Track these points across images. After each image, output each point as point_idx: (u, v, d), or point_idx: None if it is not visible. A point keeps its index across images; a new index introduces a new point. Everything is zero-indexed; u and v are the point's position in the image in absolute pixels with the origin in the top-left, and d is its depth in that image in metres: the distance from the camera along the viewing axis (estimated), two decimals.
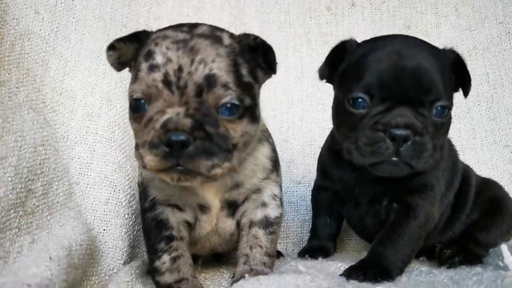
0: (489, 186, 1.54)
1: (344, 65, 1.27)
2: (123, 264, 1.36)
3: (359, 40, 1.30)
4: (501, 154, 2.05)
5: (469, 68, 1.26)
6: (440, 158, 1.22)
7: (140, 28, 1.11)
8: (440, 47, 1.26)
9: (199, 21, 1.11)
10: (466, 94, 1.28)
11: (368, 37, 1.32)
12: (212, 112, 0.95)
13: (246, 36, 1.06)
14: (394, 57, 1.15)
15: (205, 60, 0.95)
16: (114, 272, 1.32)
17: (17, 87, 1.27)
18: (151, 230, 1.14)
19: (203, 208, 1.17)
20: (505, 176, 1.99)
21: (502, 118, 2.10)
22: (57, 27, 1.61)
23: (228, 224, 1.22)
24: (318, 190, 1.56)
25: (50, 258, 0.96)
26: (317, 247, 1.54)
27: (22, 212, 1.05)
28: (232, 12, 2.26)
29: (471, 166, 1.59)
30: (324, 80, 1.33)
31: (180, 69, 0.94)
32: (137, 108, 0.99)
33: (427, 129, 1.13)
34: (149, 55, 0.97)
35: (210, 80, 0.94)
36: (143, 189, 1.17)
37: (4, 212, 0.99)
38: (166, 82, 0.94)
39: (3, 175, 1.02)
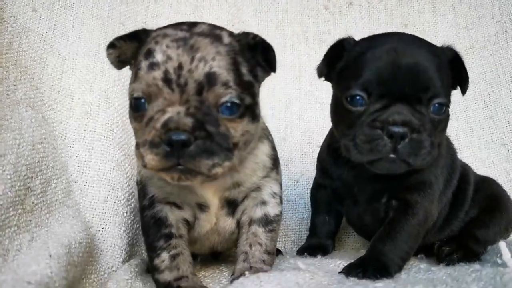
0: (487, 184, 1.55)
1: (342, 63, 1.27)
2: (122, 262, 1.36)
3: (357, 39, 1.30)
4: (498, 153, 2.06)
5: (467, 66, 1.26)
6: (438, 156, 1.23)
7: (138, 26, 1.11)
8: (438, 45, 1.27)
9: (197, 20, 1.11)
10: (464, 91, 1.29)
11: (365, 36, 1.32)
12: (213, 111, 0.95)
13: (246, 34, 1.06)
14: (392, 55, 1.16)
15: (205, 58, 0.95)
16: (113, 270, 1.32)
17: (15, 85, 1.26)
18: (150, 228, 1.14)
19: (202, 206, 1.17)
20: (502, 174, 1.99)
21: (499, 116, 2.10)
22: (54, 25, 1.60)
23: (228, 223, 1.22)
24: (317, 188, 1.57)
25: (50, 255, 0.96)
26: (316, 245, 1.54)
27: (21, 210, 1.05)
28: (230, 10, 2.26)
29: (468, 164, 1.60)
30: (323, 78, 1.33)
31: (180, 67, 0.94)
32: (137, 107, 0.99)
33: (424, 126, 1.13)
34: (149, 53, 0.97)
35: (211, 78, 0.94)
36: (142, 187, 1.17)
37: (3, 210, 0.99)
38: (166, 80, 0.94)
39: (1, 173, 1.02)
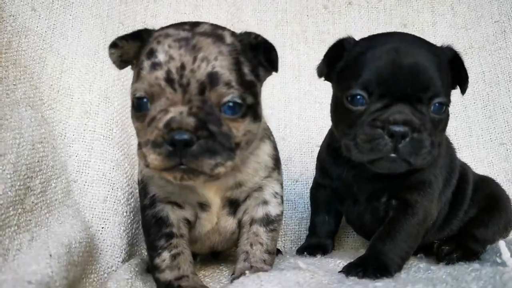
0: (486, 183, 1.55)
1: (342, 62, 1.27)
2: (121, 262, 1.36)
3: (356, 38, 1.30)
4: (497, 152, 2.06)
5: (466, 66, 1.27)
6: (438, 155, 1.23)
7: (137, 25, 1.11)
8: (438, 44, 1.27)
9: (196, 19, 1.11)
10: (463, 91, 1.29)
11: (365, 35, 1.32)
12: (215, 110, 0.95)
13: (247, 34, 1.06)
14: (392, 54, 1.16)
15: (207, 58, 0.95)
16: (113, 270, 1.32)
17: (14, 85, 1.26)
18: (151, 227, 1.14)
19: (203, 206, 1.17)
20: (501, 173, 2.00)
21: (498, 116, 2.11)
22: (54, 24, 1.60)
23: (230, 223, 1.22)
24: (317, 188, 1.57)
25: (50, 255, 0.96)
26: (315, 245, 1.54)
27: (21, 210, 1.05)
28: (230, 10, 2.26)
29: (467, 164, 1.60)
30: (323, 78, 1.33)
31: (182, 66, 0.94)
32: (139, 107, 0.99)
33: (425, 125, 1.13)
34: (151, 53, 0.97)
35: (213, 78, 0.94)
36: (143, 186, 1.17)
37: (3, 210, 0.98)
38: (169, 80, 0.94)
39: (1, 172, 1.01)
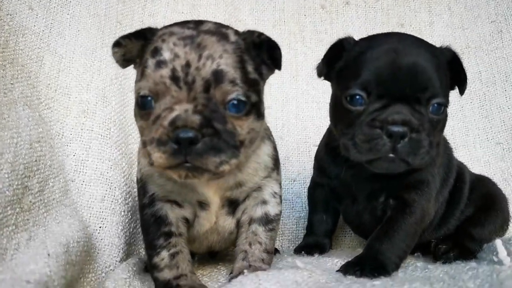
0: (483, 183, 1.56)
1: (341, 62, 1.27)
2: (119, 262, 1.36)
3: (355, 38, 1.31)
4: (494, 152, 2.07)
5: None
6: (436, 155, 1.23)
7: (135, 24, 1.11)
8: (436, 45, 1.28)
9: (194, 18, 1.11)
10: (462, 92, 1.30)
11: (362, 35, 1.33)
12: (220, 108, 0.96)
13: (251, 33, 1.07)
14: (391, 55, 1.16)
15: (212, 56, 0.95)
16: (111, 269, 1.32)
17: (12, 84, 1.26)
18: (149, 226, 1.14)
19: (203, 205, 1.17)
20: (498, 173, 2.01)
21: (494, 115, 2.12)
22: (51, 23, 1.60)
23: (228, 223, 1.22)
24: (314, 187, 1.57)
25: (48, 254, 0.96)
26: (313, 244, 1.55)
27: (18, 209, 1.05)
28: (227, 9, 2.26)
29: (464, 163, 1.61)
30: (322, 78, 1.34)
31: (187, 64, 0.94)
32: (144, 105, 0.99)
33: (423, 126, 1.14)
34: (156, 51, 0.97)
35: (218, 76, 0.94)
36: (142, 185, 1.17)
37: (1, 209, 0.98)
38: (174, 78, 0.94)
39: None
